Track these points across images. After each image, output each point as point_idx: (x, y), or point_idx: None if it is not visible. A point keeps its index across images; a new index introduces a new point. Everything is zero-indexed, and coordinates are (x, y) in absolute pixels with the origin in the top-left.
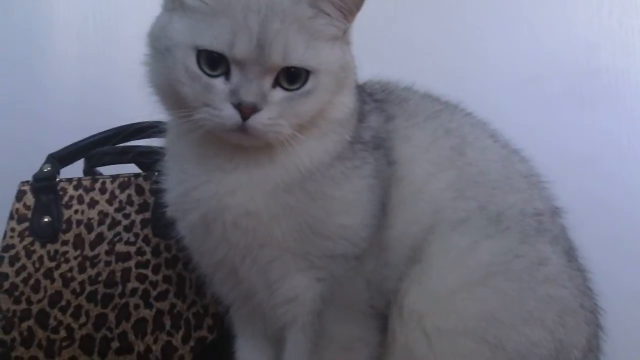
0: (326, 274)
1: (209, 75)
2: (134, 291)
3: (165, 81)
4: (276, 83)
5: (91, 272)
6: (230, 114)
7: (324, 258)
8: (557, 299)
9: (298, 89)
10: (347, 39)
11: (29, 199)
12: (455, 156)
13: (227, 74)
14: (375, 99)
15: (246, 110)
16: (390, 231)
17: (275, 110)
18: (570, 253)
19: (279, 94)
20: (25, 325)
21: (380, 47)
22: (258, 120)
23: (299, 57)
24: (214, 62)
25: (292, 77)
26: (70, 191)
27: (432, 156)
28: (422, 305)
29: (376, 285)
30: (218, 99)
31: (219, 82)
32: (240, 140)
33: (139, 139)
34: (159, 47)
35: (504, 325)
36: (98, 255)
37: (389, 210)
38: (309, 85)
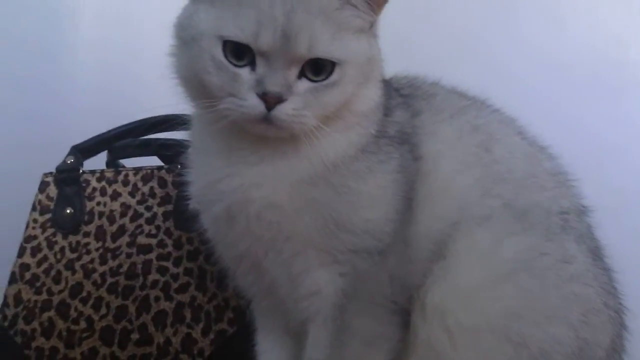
0: (349, 268)
1: (235, 65)
2: (154, 283)
3: (191, 71)
4: (301, 74)
5: (112, 263)
6: (255, 104)
7: (347, 252)
8: (582, 298)
9: (323, 80)
10: (374, 31)
11: (52, 191)
12: (482, 153)
13: (252, 64)
14: (401, 94)
15: (271, 100)
16: (415, 227)
17: (300, 101)
18: (595, 252)
19: (304, 84)
20: (45, 315)
21: (401, 39)
22: (283, 110)
23: (324, 49)
24: (239, 52)
25: (318, 68)
26: (93, 183)
27: (459, 153)
28: (445, 301)
29: (399, 281)
30: (243, 88)
31: (244, 72)
32: (264, 132)
33: (162, 131)
34: (185, 37)
35: (528, 323)
36: (119, 247)
37: (414, 205)
38: (334, 76)
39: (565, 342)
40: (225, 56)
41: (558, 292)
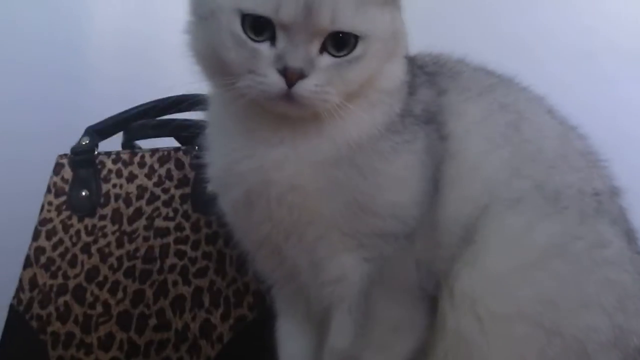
0: (374, 253)
1: (254, 41)
2: (172, 267)
3: (209, 48)
4: (323, 49)
5: (129, 247)
6: (275, 80)
7: (372, 237)
8: (617, 283)
9: (346, 55)
10: (397, 3)
11: (67, 173)
12: (511, 132)
13: (272, 40)
14: (426, 72)
15: (292, 76)
16: (443, 210)
17: (323, 77)
18: (630, 235)
19: (326, 59)
20: (61, 300)
21: (427, 19)
22: (304, 87)
23: (347, 22)
24: (259, 26)
25: (340, 43)
26: (109, 165)
27: (487, 132)
28: (475, 288)
29: (426, 267)
30: (263, 64)
31: (264, 47)
32: (285, 110)
33: (180, 112)
34: (203, 12)
35: (561, 310)
36: (136, 230)
37: (441, 187)
38: (357, 51)
39: (599, 330)
40: (245, 31)
41: (592, 278)
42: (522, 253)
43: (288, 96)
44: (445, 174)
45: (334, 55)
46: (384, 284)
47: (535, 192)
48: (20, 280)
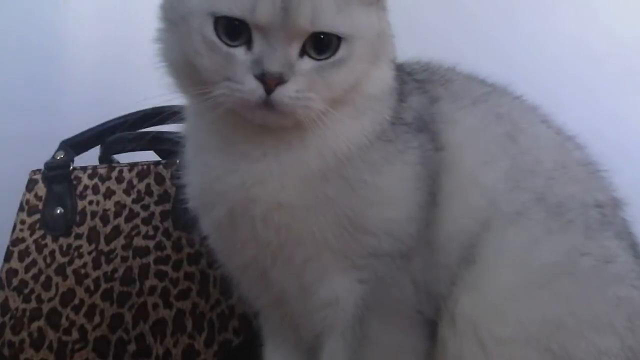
0: (369, 274)
1: (229, 45)
2: (152, 289)
3: (181, 55)
4: (304, 52)
5: (106, 268)
6: (253, 87)
7: (366, 256)
8: (627, 301)
9: (328, 57)
10: (382, 4)
11: (41, 189)
12: (508, 143)
13: (248, 44)
14: (416, 79)
15: (271, 82)
16: (441, 226)
17: (304, 82)
18: (635, 248)
19: (307, 63)
20: (35, 325)
21: (428, 26)
22: (284, 93)
23: (329, 22)
24: (233, 30)
25: (322, 45)
26: (85, 180)
27: (484, 143)
28: (477, 311)
29: (425, 288)
30: (239, 70)
31: (239, 52)
32: (265, 119)
33: (158, 124)
34: (173, 17)
35: (570, 333)
36: (114, 250)
37: (439, 201)
38: (340, 53)
39: (610, 352)
40: (218, 35)
41: (602, 297)
42: (526, 272)
43: (267, 104)
44: (443, 187)
45: (315, 59)
46: (380, 308)
47: (536, 205)
48: None
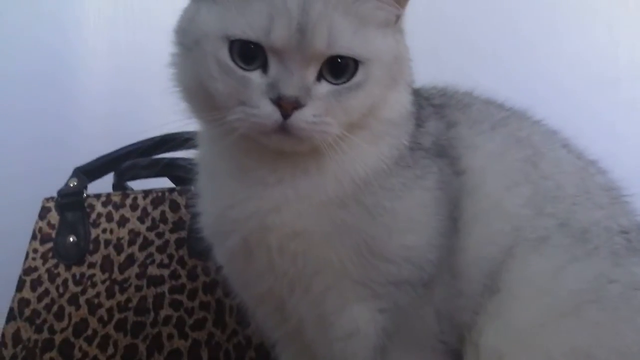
0: (389, 303)
1: (244, 69)
2: (167, 319)
3: (195, 80)
4: (320, 76)
5: (120, 297)
6: (269, 112)
7: (386, 285)
8: None
9: (345, 82)
10: (400, 26)
11: (54, 217)
12: (529, 168)
13: (264, 67)
14: (433, 104)
15: (287, 106)
16: (463, 253)
17: (321, 106)
18: None
19: (324, 87)
20: (47, 356)
21: (442, 49)
22: (301, 117)
23: (346, 44)
24: (249, 53)
25: (338, 69)
26: (99, 208)
27: (505, 168)
28: (502, 342)
29: (447, 318)
30: (255, 94)
31: (255, 76)
32: (281, 144)
33: (172, 150)
34: (187, 42)
35: None
36: (128, 279)
37: (460, 227)
38: (358, 77)
39: None
40: (233, 59)
41: (631, 325)
42: (551, 300)
43: (283, 128)
44: (464, 213)
45: (332, 83)
46: (402, 338)
47: (560, 231)
48: (3, 335)
